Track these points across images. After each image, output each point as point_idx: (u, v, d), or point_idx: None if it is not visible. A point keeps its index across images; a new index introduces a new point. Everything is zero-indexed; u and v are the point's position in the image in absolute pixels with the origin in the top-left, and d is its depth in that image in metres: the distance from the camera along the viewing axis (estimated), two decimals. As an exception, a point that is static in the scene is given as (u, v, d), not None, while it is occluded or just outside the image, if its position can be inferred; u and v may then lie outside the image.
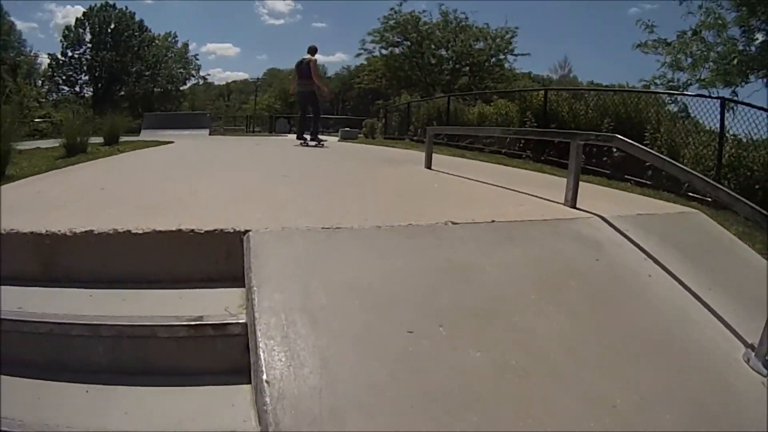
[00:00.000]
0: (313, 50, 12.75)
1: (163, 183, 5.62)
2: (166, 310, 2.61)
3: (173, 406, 2.23)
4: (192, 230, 3.01)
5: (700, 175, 4.15)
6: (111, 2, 48.38)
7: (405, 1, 35.78)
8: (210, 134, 22.23)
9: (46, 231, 2.98)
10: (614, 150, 9.59)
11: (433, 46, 35.51)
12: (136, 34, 47.65)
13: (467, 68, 35.58)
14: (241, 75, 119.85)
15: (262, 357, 2.18)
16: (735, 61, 10.10)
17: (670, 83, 12.49)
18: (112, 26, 46.97)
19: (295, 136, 13.91)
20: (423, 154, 7.60)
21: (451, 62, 35.91)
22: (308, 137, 12.81)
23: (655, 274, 3.54)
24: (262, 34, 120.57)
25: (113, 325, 2.46)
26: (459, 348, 2.41)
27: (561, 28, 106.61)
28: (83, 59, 46.44)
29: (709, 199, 8.19)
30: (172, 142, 12.08)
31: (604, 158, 10.02)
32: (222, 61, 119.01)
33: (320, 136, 13.28)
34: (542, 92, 13.28)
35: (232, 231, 3.01)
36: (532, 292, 2.96)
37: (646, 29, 10.93)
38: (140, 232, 2.99)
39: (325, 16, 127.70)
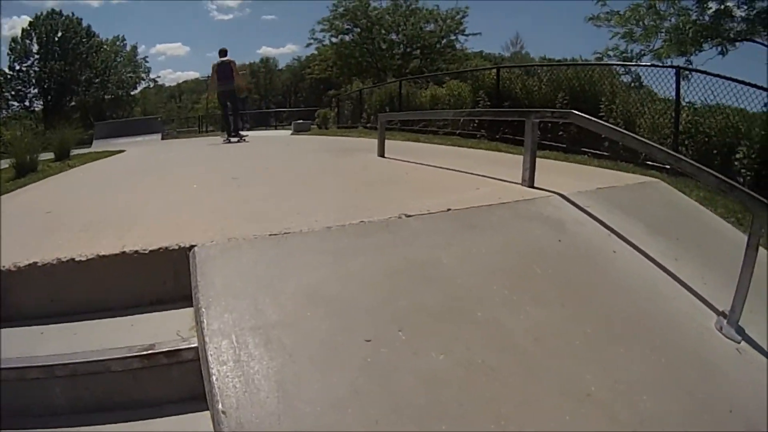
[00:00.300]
0: (226, 52, 14.40)
1: (110, 197, 5.45)
2: (119, 340, 2.50)
3: None
4: (136, 251, 2.88)
5: (661, 147, 4.06)
6: (57, 9, 47.46)
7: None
8: (162, 138, 22.18)
9: None
10: (562, 125, 9.66)
11: (383, 31, 35.43)
12: (84, 40, 46.53)
13: (418, 51, 35.62)
14: (192, 74, 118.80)
15: (215, 386, 2.05)
16: (690, 32, 10.24)
17: (624, 54, 12.61)
18: (59, 34, 45.80)
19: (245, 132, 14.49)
20: (376, 142, 7.43)
21: (402, 46, 35.91)
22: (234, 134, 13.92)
23: (620, 250, 3.46)
24: (212, 31, 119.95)
25: (67, 363, 2.35)
26: (421, 352, 2.29)
27: (512, 4, 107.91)
28: (31, 71, 45.23)
29: (668, 167, 8.29)
30: (123, 151, 12.09)
31: (560, 132, 10.17)
32: (172, 61, 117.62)
33: (241, 132, 14.49)
34: (494, 71, 13.32)
35: (177, 248, 2.87)
36: (494, 282, 2.84)
37: (599, 2, 10.92)
38: (84, 258, 2.85)
39: (275, 7, 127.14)
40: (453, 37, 36.06)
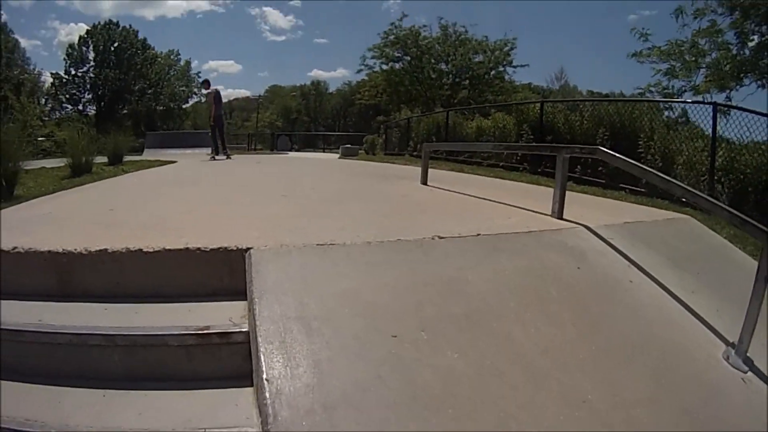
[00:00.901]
0: (210, 83, 15.97)
1: (167, 203, 5.90)
2: (177, 321, 2.83)
3: (183, 407, 2.44)
4: (198, 248, 3.22)
5: (678, 183, 4.31)
6: (114, 20, 48.96)
7: (405, 17, 36.31)
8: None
9: (63, 249, 3.20)
10: (601, 159, 9.85)
11: (432, 61, 35.65)
12: (139, 52, 47.87)
13: (467, 81, 35.67)
14: (243, 92, 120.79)
15: (262, 359, 2.40)
16: (728, 66, 10.23)
17: (665, 90, 12.59)
18: (116, 44, 47.26)
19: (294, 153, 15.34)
20: (420, 170, 7.81)
21: (450, 76, 36.00)
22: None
23: (638, 280, 3.71)
24: (264, 51, 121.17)
25: (127, 335, 2.70)
26: (439, 352, 2.61)
27: (560, 37, 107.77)
28: (86, 77, 46.63)
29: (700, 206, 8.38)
30: (174, 162, 12.44)
31: (599, 168, 10.21)
32: (224, 78, 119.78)
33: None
34: (538, 105, 13.40)
35: (235, 249, 3.22)
36: (511, 300, 3.15)
37: (641, 38, 11.00)
38: (151, 250, 3.22)
39: (327, 31, 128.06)
40: (501, 69, 36.03)
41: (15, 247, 3.26)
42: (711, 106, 9.23)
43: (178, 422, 2.33)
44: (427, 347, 2.63)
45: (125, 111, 47.15)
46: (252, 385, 2.51)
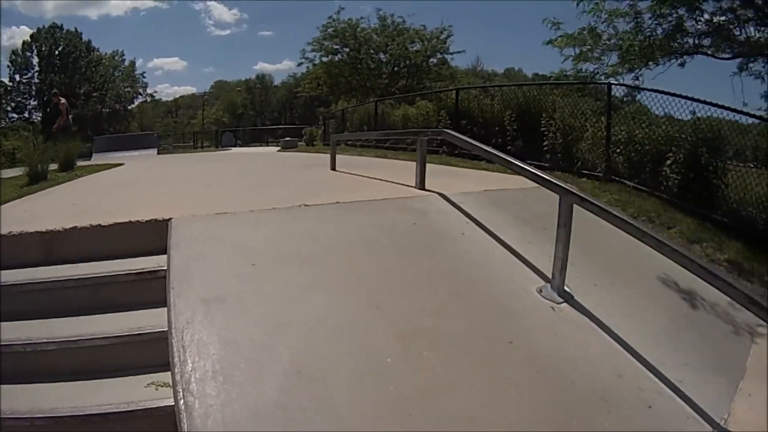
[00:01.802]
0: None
1: (116, 196, 7.13)
2: (125, 268, 4.22)
3: (130, 320, 3.80)
4: (138, 221, 4.69)
5: (496, 152, 5.46)
6: (59, 24, 48.91)
7: (342, 9, 36.97)
8: (158, 153, 23.53)
9: (45, 229, 4.62)
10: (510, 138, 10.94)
11: (371, 51, 36.42)
12: (84, 54, 47.85)
13: (405, 70, 36.58)
14: (188, 89, 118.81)
15: (171, 280, 3.71)
16: (634, 51, 10.99)
17: (580, 74, 13.46)
18: (60, 48, 47.15)
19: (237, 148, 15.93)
20: (346, 158, 8.85)
21: (389, 65, 36.89)
22: None
23: (471, 233, 4.89)
24: (209, 46, 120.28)
25: (93, 277, 4.11)
26: (283, 274, 3.95)
27: (501, 23, 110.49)
28: (32, 83, 46.54)
29: (600, 175, 9.48)
30: (122, 164, 13.06)
31: (508, 147, 11.32)
32: (169, 76, 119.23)
33: None
34: (454, 92, 14.70)
35: (161, 219, 4.64)
36: (347, 244, 4.50)
37: (552, 27, 11.67)
38: (106, 224, 4.67)
39: (272, 24, 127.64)
40: (439, 56, 37.13)
41: (10, 231, 4.59)
42: (606, 86, 10.39)
43: (131, 328, 3.69)
44: (275, 271, 3.97)
45: (71, 116, 46.09)
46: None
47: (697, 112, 9.19)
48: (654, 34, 10.17)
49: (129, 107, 53.43)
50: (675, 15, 9.86)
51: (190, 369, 2.90)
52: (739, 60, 10.01)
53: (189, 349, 3.03)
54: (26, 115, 46.28)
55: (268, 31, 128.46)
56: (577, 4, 10.75)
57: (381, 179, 7.26)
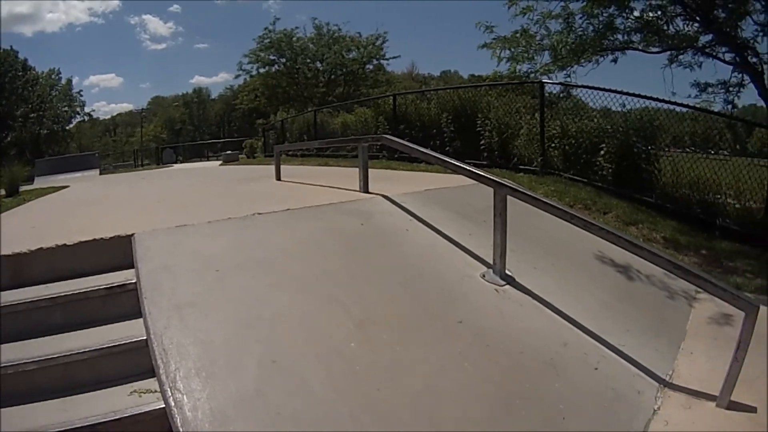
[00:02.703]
0: None
1: (72, 217, 7.26)
2: (94, 284, 4.30)
3: (105, 333, 3.90)
4: (102, 237, 4.77)
5: (426, 151, 6.11)
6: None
7: (278, 20, 37.34)
8: (100, 174, 23.29)
9: (13, 252, 4.63)
10: (447, 140, 11.41)
11: (308, 60, 37.14)
12: (20, 74, 46.29)
13: (342, 78, 37.35)
14: (125, 106, 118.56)
15: (142, 289, 4.01)
16: (565, 49, 11.45)
17: (514, 74, 13.95)
18: None
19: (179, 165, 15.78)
20: (290, 168, 9.12)
21: (326, 74, 37.55)
22: None
23: (414, 229, 5.33)
24: (145, 61, 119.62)
25: (64, 295, 4.20)
26: (243, 275, 4.27)
27: (440, 27, 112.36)
28: None
29: (536, 169, 9.99)
30: (67, 186, 13.03)
31: (447, 148, 11.76)
32: (106, 93, 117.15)
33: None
34: (391, 98, 15.02)
35: (125, 235, 4.78)
36: (298, 248, 4.86)
37: (486, 30, 11.98)
38: (71, 243, 4.72)
39: (207, 36, 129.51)
40: (376, 62, 37.96)
41: None
42: (538, 84, 10.96)
43: (108, 341, 3.79)
44: (238, 275, 4.27)
45: (8, 139, 45.42)
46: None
47: (627, 104, 9.94)
48: (585, 33, 10.73)
49: (67, 128, 52.08)
50: (606, 14, 10.49)
51: (174, 369, 3.19)
52: (669, 53, 10.77)
53: (170, 352, 3.31)
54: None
55: (203, 44, 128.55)
56: (509, 8, 11.24)
57: (326, 186, 7.59)
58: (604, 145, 9.49)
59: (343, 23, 45.57)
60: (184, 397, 3.01)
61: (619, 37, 10.81)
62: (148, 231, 4.83)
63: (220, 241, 4.83)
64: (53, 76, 50.73)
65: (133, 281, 4.21)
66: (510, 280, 4.62)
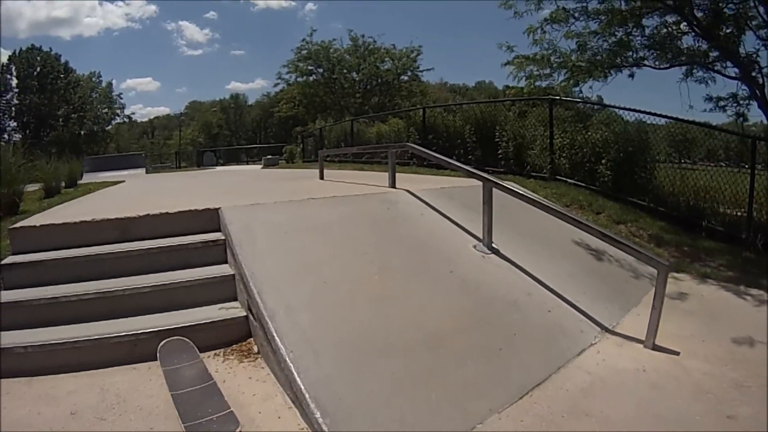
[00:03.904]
0: None
1: (150, 199, 8.64)
2: (194, 240, 5.99)
3: (202, 273, 5.57)
4: (197, 209, 6.44)
5: (448, 160, 7.81)
6: (37, 45, 49.25)
7: (315, 31, 38.89)
8: (146, 173, 24.53)
9: (124, 216, 6.25)
10: (470, 149, 13.04)
11: (344, 71, 38.52)
12: (62, 76, 48.30)
13: (377, 88, 38.86)
14: (162, 110, 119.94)
15: (233, 242, 5.65)
16: (576, 67, 12.56)
17: (532, 90, 15.17)
18: (38, 69, 47.68)
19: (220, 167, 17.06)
20: (329, 171, 11.17)
21: (362, 84, 39.07)
22: None
23: (428, 214, 7.02)
24: (181, 66, 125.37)
25: (170, 246, 5.86)
26: (302, 236, 6.01)
27: (474, 39, 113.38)
28: (11, 104, 46.82)
29: (546, 175, 11.47)
30: (123, 181, 14.42)
31: (470, 157, 13.36)
32: (143, 96, 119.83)
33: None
34: (421, 111, 16.67)
35: (213, 209, 6.42)
36: (341, 222, 6.57)
37: (507, 50, 12.87)
38: (173, 211, 6.39)
39: (244, 43, 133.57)
40: (410, 74, 39.36)
41: (93, 218, 6.14)
42: (548, 101, 12.38)
43: (202, 277, 5.49)
44: (297, 235, 5.98)
45: (49, 137, 46.40)
46: (226, 262, 5.77)
47: (628, 118, 11.45)
48: (600, 51, 11.70)
49: (106, 128, 53.69)
50: (621, 32, 11.47)
51: (257, 290, 4.86)
52: (684, 68, 11.66)
53: (254, 279, 4.98)
54: (6, 136, 46.08)
55: (240, 50, 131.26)
56: (528, 35, 12.53)
57: (362, 183, 9.46)
58: (606, 155, 10.85)
59: (378, 35, 47.48)
60: (268, 300, 4.70)
61: (632, 54, 11.66)
62: (229, 206, 6.44)
63: (283, 214, 6.52)
64: (94, 79, 52.71)
65: (221, 239, 5.89)
66: (495, 251, 6.29)
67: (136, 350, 4.68)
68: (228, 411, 3.75)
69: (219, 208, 6.37)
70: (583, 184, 11.07)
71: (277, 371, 4.21)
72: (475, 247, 6.37)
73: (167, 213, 6.32)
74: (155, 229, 6.14)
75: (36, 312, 4.94)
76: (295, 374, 3.87)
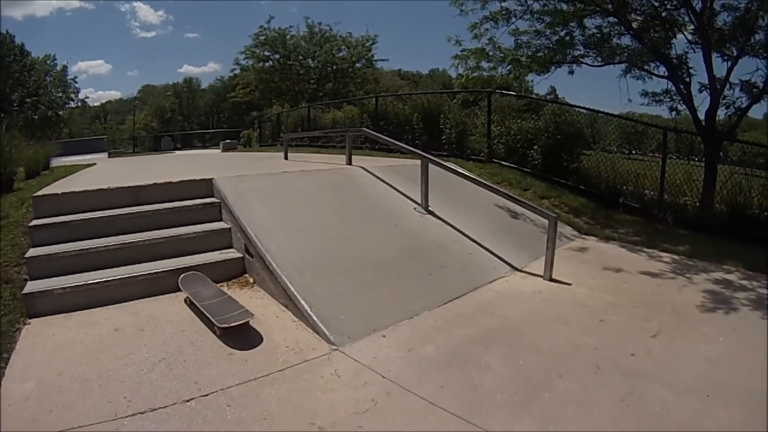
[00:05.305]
0: None
1: (152, 172, 10.06)
2: (194, 202, 7.60)
3: (201, 228, 7.24)
4: (194, 179, 7.99)
5: (395, 143, 9.65)
6: None
7: (273, 18, 39.94)
8: (109, 157, 25.08)
9: (135, 185, 7.72)
10: (417, 134, 14.89)
11: (300, 57, 39.73)
12: (18, 58, 46.74)
13: (332, 75, 40.05)
14: (113, 94, 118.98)
15: (230, 202, 7.36)
16: (521, 59, 13.89)
17: (474, 79, 16.40)
18: None
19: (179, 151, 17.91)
20: (290, 154, 13.06)
21: (317, 71, 40.14)
22: None
23: (378, 184, 9.08)
24: (134, 49, 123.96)
25: (173, 207, 7.43)
26: (276, 198, 7.84)
27: (426, 30, 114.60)
28: None
29: (483, 159, 13.17)
30: (95, 164, 14.91)
31: (417, 141, 15.08)
32: (94, 80, 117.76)
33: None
34: (374, 99, 18.50)
35: (209, 178, 7.99)
36: (311, 188, 8.49)
37: (455, 44, 13.86)
38: (176, 181, 7.92)
39: (198, 26, 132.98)
40: (364, 62, 40.79)
41: (109, 186, 7.47)
42: (487, 93, 14.13)
43: (203, 231, 7.15)
44: (277, 197, 7.82)
45: (3, 122, 42.36)
46: (222, 219, 7.43)
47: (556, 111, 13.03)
48: (541, 48, 12.95)
49: (59, 113, 51.96)
50: (563, 31, 12.60)
51: (253, 233, 6.59)
52: (624, 65, 12.68)
53: (249, 226, 6.71)
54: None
55: (193, 33, 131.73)
56: (471, 30, 13.69)
57: (322, 162, 11.33)
58: (537, 141, 12.56)
59: (334, 23, 48.64)
60: (260, 242, 6.42)
61: (570, 52, 12.74)
62: (220, 177, 7.99)
63: (264, 183, 8.27)
64: (48, 62, 51.23)
65: (216, 202, 7.50)
66: (431, 213, 8.27)
67: (156, 285, 6.05)
68: (243, 309, 5.38)
69: (212, 178, 7.92)
70: (516, 167, 12.71)
71: (273, 289, 5.97)
72: (414, 209, 8.32)
73: (170, 182, 7.82)
74: (161, 195, 7.58)
75: (68, 261, 6.05)
76: (288, 284, 5.71)
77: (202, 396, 4.03)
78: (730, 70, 11.40)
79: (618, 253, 8.35)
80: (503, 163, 13.10)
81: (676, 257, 8.16)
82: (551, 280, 6.80)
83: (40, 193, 7.29)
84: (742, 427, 3.73)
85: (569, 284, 6.70)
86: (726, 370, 4.53)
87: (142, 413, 3.80)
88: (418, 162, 8.67)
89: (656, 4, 11.75)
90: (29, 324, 5.22)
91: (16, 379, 4.24)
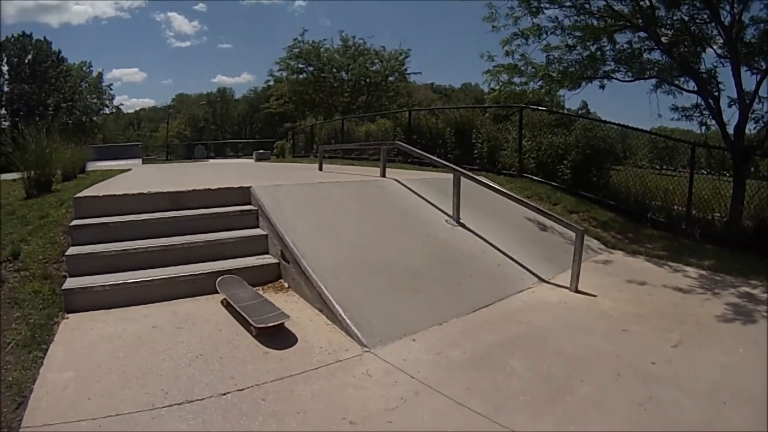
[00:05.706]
0: None
1: (187, 179, 10.48)
2: (232, 209, 7.91)
3: (241, 234, 7.57)
4: (233, 187, 8.34)
5: (431, 157, 9.87)
6: (28, 32, 48.64)
7: (306, 31, 40.20)
8: (142, 163, 25.52)
9: (174, 190, 8.05)
10: (450, 149, 15.18)
11: (334, 70, 40.28)
12: (54, 64, 48.14)
13: (365, 88, 40.55)
14: (147, 101, 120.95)
15: (268, 210, 7.65)
16: (553, 75, 13.94)
17: (506, 93, 16.52)
18: (30, 57, 47.46)
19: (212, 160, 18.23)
20: (324, 165, 13.43)
21: (350, 84, 40.71)
22: None
23: (412, 197, 9.22)
24: (168, 58, 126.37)
25: (212, 213, 7.76)
26: (314, 208, 8.12)
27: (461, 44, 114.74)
28: (2, 91, 46.27)
29: (514, 173, 13.39)
30: (130, 170, 15.48)
31: (449, 156, 15.31)
32: (128, 87, 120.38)
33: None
34: (407, 112, 18.77)
35: (247, 186, 8.32)
36: (347, 199, 8.80)
37: (488, 59, 14.32)
38: (215, 188, 8.24)
39: (231, 36, 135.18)
40: (397, 75, 41.26)
41: (149, 191, 7.87)
42: (518, 108, 14.21)
43: (241, 236, 7.48)
44: (313, 206, 8.14)
45: (38, 126, 42.10)
46: (258, 226, 7.73)
47: (587, 126, 13.29)
48: (572, 64, 13.04)
49: (94, 119, 53.32)
50: (595, 47, 12.74)
51: (291, 240, 6.88)
52: (655, 80, 12.76)
53: (287, 234, 6.99)
54: (-5, 123, 44.50)
55: (227, 44, 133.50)
56: (503, 47, 13.74)
57: (356, 174, 11.62)
58: (568, 156, 12.72)
59: (368, 37, 49.14)
60: (297, 248, 6.69)
61: (601, 67, 12.84)
62: (257, 186, 8.26)
63: (301, 192, 8.65)
64: (84, 69, 52.64)
65: (254, 209, 7.77)
66: (461, 224, 8.49)
67: (194, 286, 6.28)
68: (280, 311, 5.63)
69: (250, 186, 8.22)
70: (546, 181, 12.98)
71: (307, 294, 6.26)
72: (446, 221, 8.56)
73: (209, 189, 8.08)
74: (200, 201, 7.86)
75: (107, 260, 6.31)
76: (323, 288, 5.99)
77: (238, 390, 4.29)
78: (759, 84, 11.48)
79: (644, 266, 8.51)
80: (534, 177, 13.26)
81: (701, 272, 8.28)
82: (577, 291, 6.99)
83: (80, 194, 7.58)
84: (755, 432, 3.92)
85: (594, 296, 6.88)
86: (743, 379, 4.69)
87: (179, 404, 4.05)
88: (450, 175, 8.91)
89: (686, 18, 11.85)
90: (67, 318, 5.47)
91: (54, 369, 4.48)
